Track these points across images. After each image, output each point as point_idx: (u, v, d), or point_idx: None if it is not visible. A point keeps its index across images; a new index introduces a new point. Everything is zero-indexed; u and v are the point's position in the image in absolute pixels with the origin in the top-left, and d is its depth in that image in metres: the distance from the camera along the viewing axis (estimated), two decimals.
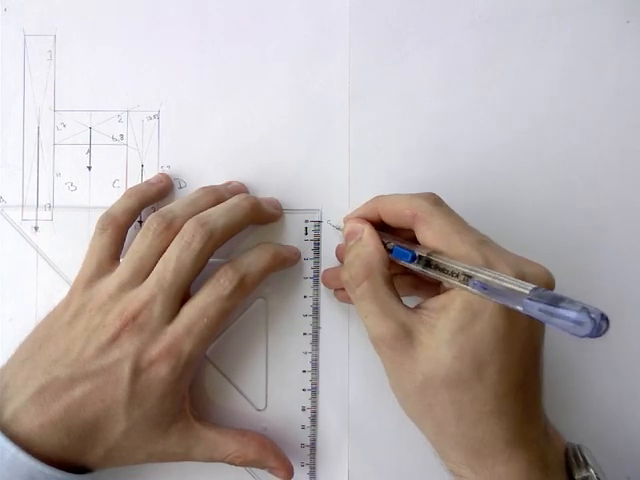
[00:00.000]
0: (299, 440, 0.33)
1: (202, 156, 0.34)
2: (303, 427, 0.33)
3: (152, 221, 0.29)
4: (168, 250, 0.29)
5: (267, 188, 0.34)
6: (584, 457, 0.27)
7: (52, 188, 0.34)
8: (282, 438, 0.33)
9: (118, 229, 0.31)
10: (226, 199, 0.31)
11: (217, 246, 0.29)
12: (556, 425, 0.28)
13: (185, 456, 0.29)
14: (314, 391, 0.33)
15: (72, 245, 0.34)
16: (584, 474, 0.26)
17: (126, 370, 0.27)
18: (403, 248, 0.28)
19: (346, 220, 0.31)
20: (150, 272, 0.29)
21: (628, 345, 0.33)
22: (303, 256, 0.33)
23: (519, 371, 0.25)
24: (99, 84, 0.34)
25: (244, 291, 0.29)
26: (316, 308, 0.33)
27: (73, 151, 0.34)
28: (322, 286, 0.33)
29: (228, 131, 0.34)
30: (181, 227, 0.29)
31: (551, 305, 0.21)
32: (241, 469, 0.32)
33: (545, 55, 0.34)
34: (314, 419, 0.33)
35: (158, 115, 0.34)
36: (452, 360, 0.25)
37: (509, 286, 0.23)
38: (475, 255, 0.26)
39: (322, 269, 0.33)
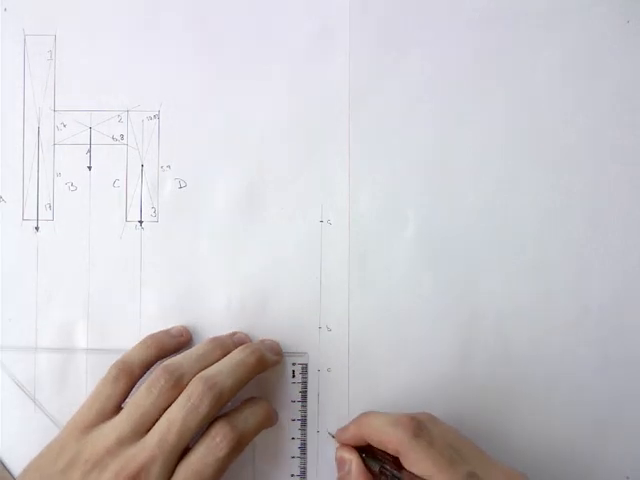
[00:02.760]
0: None
1: (202, 156, 0.34)
2: None
3: (160, 378, 0.29)
4: (173, 409, 0.28)
5: (267, 188, 0.34)
6: None
7: (52, 188, 0.34)
8: None
9: (131, 381, 0.30)
10: (232, 350, 0.31)
11: (224, 405, 0.29)
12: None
13: None
14: None
15: (72, 245, 0.34)
16: None
17: None
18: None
19: (338, 441, 0.31)
20: (151, 427, 0.28)
21: (627, 345, 0.33)
22: (290, 398, 0.33)
23: None
24: (99, 84, 0.34)
25: (240, 449, 0.29)
26: (303, 449, 0.33)
27: (73, 151, 0.34)
28: (308, 428, 0.33)
29: (228, 131, 0.34)
30: (187, 384, 0.29)
31: None
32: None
33: (545, 55, 0.34)
34: None
35: (158, 115, 0.34)
36: None
37: None
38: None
39: (309, 411, 0.33)
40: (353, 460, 0.30)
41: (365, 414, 0.30)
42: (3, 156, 0.34)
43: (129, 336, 0.33)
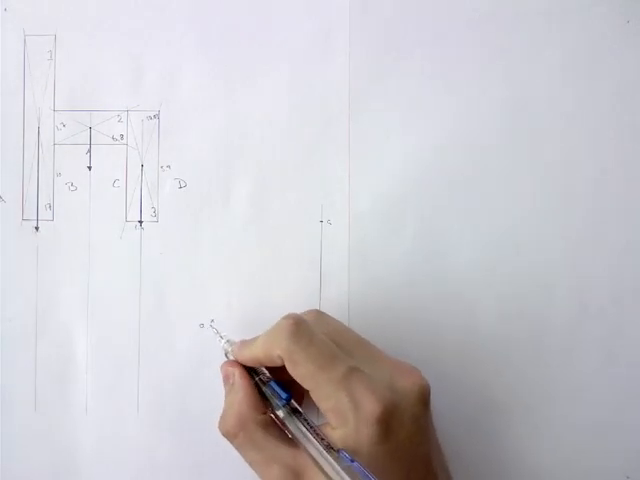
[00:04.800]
0: None
1: (202, 156, 0.34)
2: None
3: None
4: None
5: (267, 188, 0.34)
6: None
7: (52, 188, 0.34)
8: None
9: None
10: None
11: None
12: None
13: None
14: None
15: (72, 245, 0.34)
16: None
17: None
18: (279, 386, 0.27)
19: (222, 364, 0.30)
20: None
21: (626, 345, 0.33)
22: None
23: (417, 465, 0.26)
24: (99, 84, 0.34)
25: None
26: None
27: (73, 151, 0.34)
28: None
29: (228, 131, 0.34)
30: None
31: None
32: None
33: (545, 55, 0.34)
34: None
35: (158, 115, 0.34)
36: None
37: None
38: (341, 395, 0.25)
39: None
40: (236, 371, 0.28)
41: (242, 341, 0.29)
42: (3, 156, 0.34)
43: (129, 336, 0.34)
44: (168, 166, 0.34)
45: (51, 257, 0.34)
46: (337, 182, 0.34)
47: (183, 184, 0.34)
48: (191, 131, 0.34)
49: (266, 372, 0.29)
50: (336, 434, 0.25)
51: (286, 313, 0.28)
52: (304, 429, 0.26)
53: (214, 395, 0.33)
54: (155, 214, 0.34)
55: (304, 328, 0.27)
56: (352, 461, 0.24)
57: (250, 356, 0.28)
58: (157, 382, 0.33)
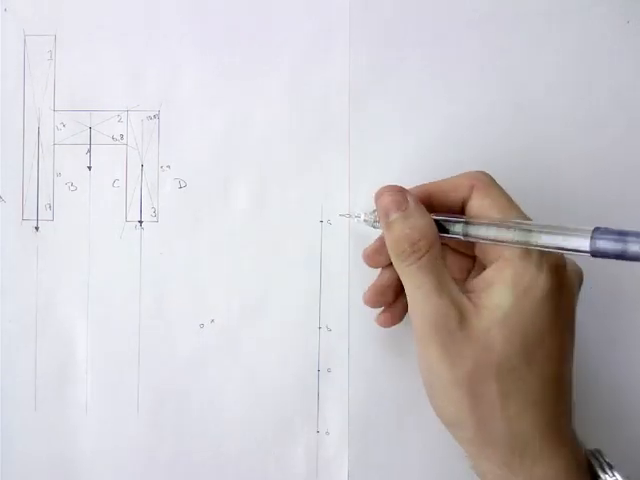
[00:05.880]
0: None
1: (202, 156, 0.34)
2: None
3: None
4: None
5: (267, 188, 0.34)
6: (607, 461, 0.26)
7: (52, 188, 0.34)
8: None
9: None
10: None
11: None
12: None
13: None
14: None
15: (72, 245, 0.34)
16: (610, 478, 0.25)
17: None
18: (449, 217, 0.27)
19: (379, 194, 0.28)
20: None
21: (626, 345, 0.33)
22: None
23: (561, 356, 0.25)
24: (99, 84, 0.34)
25: None
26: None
27: (73, 151, 0.34)
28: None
29: (228, 131, 0.34)
30: None
31: (620, 241, 0.21)
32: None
33: (545, 55, 0.34)
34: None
35: (158, 115, 0.34)
36: (503, 344, 0.24)
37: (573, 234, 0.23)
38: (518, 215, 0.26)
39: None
40: (410, 198, 0.27)
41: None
42: (3, 156, 0.34)
43: (129, 336, 0.34)
44: (168, 166, 0.34)
45: (51, 257, 0.34)
46: (337, 182, 0.34)
47: (183, 184, 0.34)
48: (191, 131, 0.34)
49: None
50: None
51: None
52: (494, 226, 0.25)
53: (214, 395, 0.33)
54: (155, 214, 0.34)
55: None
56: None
57: (433, 186, 0.28)
58: (157, 382, 0.33)
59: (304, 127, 0.34)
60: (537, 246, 0.24)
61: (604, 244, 0.21)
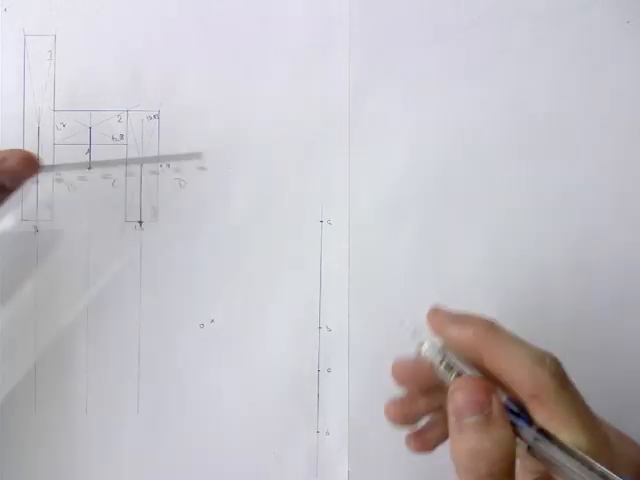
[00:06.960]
0: None
1: (202, 156, 0.34)
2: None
3: None
4: None
5: (267, 188, 0.34)
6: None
7: (52, 188, 0.34)
8: None
9: None
10: None
11: None
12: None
13: None
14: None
15: (72, 245, 0.34)
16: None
17: None
18: (517, 415, 0.22)
19: (456, 388, 0.23)
20: None
21: (626, 345, 0.33)
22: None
23: None
24: (99, 84, 0.34)
25: None
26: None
27: (73, 151, 0.34)
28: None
29: (228, 131, 0.34)
30: None
31: None
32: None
33: (545, 55, 0.34)
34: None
35: (158, 115, 0.34)
36: None
37: None
38: (591, 440, 0.21)
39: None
40: (495, 401, 0.22)
41: (487, 323, 0.24)
42: None
43: (129, 336, 0.33)
44: (168, 165, 0.34)
45: (51, 257, 0.34)
46: (337, 182, 0.34)
47: (183, 184, 0.34)
48: (191, 131, 0.34)
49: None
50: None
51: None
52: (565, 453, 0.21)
53: (214, 395, 0.33)
54: (155, 214, 0.34)
55: (567, 376, 0.23)
56: None
57: (494, 366, 0.23)
58: (157, 382, 0.33)
59: (304, 127, 0.34)
60: None
61: None
